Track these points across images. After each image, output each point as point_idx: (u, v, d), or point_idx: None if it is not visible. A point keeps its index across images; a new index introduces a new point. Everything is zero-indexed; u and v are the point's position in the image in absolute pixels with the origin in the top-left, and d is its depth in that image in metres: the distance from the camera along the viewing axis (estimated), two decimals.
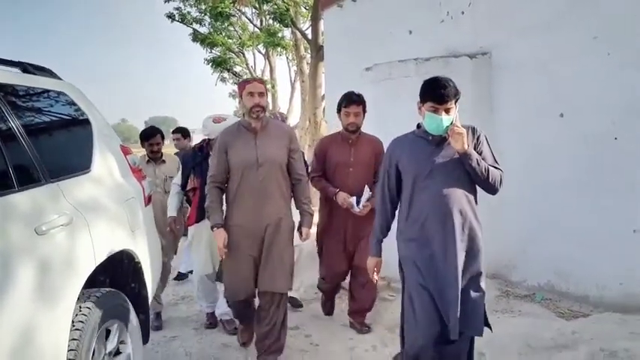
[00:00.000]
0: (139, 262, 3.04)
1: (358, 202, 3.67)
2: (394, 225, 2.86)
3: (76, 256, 2.40)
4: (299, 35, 14.23)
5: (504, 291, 4.39)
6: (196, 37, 19.47)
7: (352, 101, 3.75)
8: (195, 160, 4.10)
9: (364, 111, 3.81)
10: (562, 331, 3.32)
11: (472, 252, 2.61)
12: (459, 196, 2.58)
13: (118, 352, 2.84)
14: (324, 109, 11.81)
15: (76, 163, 2.80)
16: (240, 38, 19.56)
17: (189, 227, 4.20)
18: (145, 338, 3.15)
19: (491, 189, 2.66)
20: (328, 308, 4.32)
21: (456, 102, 2.58)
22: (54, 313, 2.20)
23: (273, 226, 3.32)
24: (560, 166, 4.26)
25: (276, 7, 12.61)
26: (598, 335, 3.18)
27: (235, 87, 20.96)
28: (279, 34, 16.22)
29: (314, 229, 3.72)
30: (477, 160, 2.55)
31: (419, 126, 2.75)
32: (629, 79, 3.80)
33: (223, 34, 19.45)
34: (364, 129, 3.96)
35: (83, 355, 2.40)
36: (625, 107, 3.85)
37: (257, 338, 3.45)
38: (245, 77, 18.97)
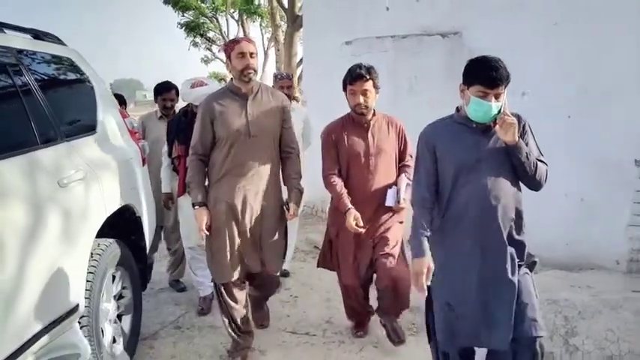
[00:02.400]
0: (139, 217, 3.34)
1: (397, 197, 3.12)
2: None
3: (91, 208, 2.70)
4: (275, 3, 14.29)
5: None
6: (168, 0, 19.24)
7: (357, 77, 2.98)
8: (180, 126, 3.83)
9: (376, 87, 3.04)
10: None
11: (515, 254, 2.34)
12: (505, 192, 2.30)
13: (120, 297, 3.17)
14: (299, 77, 12.03)
15: (84, 124, 3.06)
16: (214, 3, 19.42)
17: (178, 199, 3.90)
18: (143, 286, 3.48)
19: (536, 185, 2.37)
20: (358, 327, 3.55)
21: (506, 86, 2.25)
22: (75, 256, 2.52)
23: (264, 203, 3.01)
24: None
25: None
26: (543, 288, 3.64)
27: (207, 52, 20.92)
28: (256, 2, 16.19)
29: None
30: (527, 153, 2.28)
31: (457, 109, 2.44)
32: (585, 62, 4.22)
33: None
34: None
35: (95, 296, 2.72)
36: (578, 89, 4.27)
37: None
38: (221, 42, 18.86)
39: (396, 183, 3.15)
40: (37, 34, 3.01)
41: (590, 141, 4.19)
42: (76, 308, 2.52)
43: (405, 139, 3.20)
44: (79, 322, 2.58)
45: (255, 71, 2.98)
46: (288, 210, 3.09)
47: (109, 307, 2.95)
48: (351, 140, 3.10)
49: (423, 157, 2.43)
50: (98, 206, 2.78)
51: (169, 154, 3.94)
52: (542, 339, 2.28)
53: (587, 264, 4.13)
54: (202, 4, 18.63)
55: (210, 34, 20.03)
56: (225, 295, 3.09)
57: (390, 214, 3.15)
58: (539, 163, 2.34)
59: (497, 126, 2.26)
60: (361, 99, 3.02)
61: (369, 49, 5.30)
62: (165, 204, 4.08)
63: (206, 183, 3.06)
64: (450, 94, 5.00)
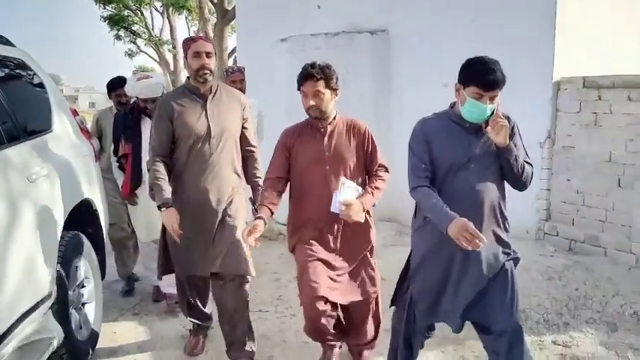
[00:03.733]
0: (96, 210, 3.50)
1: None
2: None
3: (57, 201, 2.87)
4: None
5: (399, 231, 5.34)
6: None
7: (307, 76, 2.66)
8: (126, 122, 3.79)
9: (331, 88, 2.69)
10: None
11: (499, 249, 2.41)
12: (491, 192, 2.35)
13: (82, 286, 3.33)
14: None
15: (41, 123, 3.19)
16: None
17: (124, 199, 3.90)
18: (102, 275, 3.65)
19: (521, 185, 2.42)
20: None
21: (501, 89, 2.28)
22: (47, 247, 2.69)
23: (226, 203, 2.97)
24: None
25: None
26: None
27: (132, 45, 20.44)
28: None
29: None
30: (516, 155, 2.33)
31: (452, 106, 2.46)
32: (497, 55, 4.76)
33: None
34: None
35: (63, 284, 2.90)
36: None
37: (223, 334, 3.13)
38: (147, 36, 18.53)
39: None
40: None
41: None
42: (49, 295, 2.69)
43: (373, 146, 2.82)
44: (51, 309, 2.76)
45: (211, 71, 2.93)
46: (256, 210, 2.93)
47: (73, 295, 3.12)
48: (306, 147, 2.76)
49: (417, 147, 2.44)
50: (62, 200, 2.94)
51: (115, 152, 3.87)
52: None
53: None
54: None
55: (135, 28, 19.61)
56: (187, 288, 3.18)
57: (359, 238, 2.81)
58: (525, 164, 2.38)
59: (488, 127, 2.28)
60: (312, 102, 2.67)
61: (303, 46, 5.62)
62: (131, 201, 3.93)
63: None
64: (378, 86, 5.50)
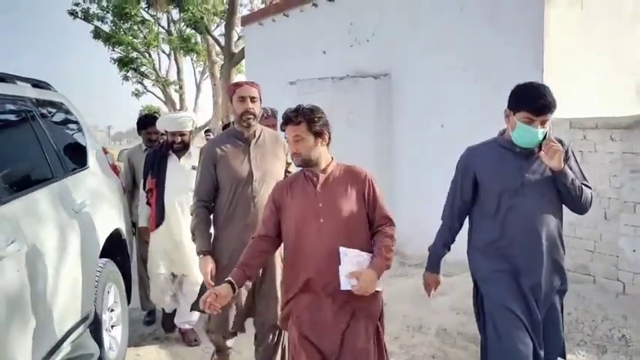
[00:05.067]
0: (124, 239, 3.81)
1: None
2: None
3: (96, 230, 3.19)
4: (211, 41, 14.93)
5: (401, 262, 5.63)
6: (98, 34, 19.35)
7: (285, 121, 2.42)
8: (155, 159, 3.93)
9: (314, 132, 2.37)
10: (443, 283, 4.56)
11: (556, 277, 2.42)
12: (548, 218, 2.33)
13: (112, 310, 3.61)
14: None
15: (79, 160, 3.53)
16: (146, 38, 19.72)
17: (151, 233, 3.94)
18: (128, 300, 3.93)
19: (582, 209, 2.39)
20: None
21: (552, 113, 2.26)
22: (89, 271, 2.99)
23: None
24: (441, 164, 5.57)
25: (191, 15, 13.25)
26: (467, 285, 4.44)
27: (139, 85, 21.07)
28: (193, 40, 16.76)
29: None
30: (572, 179, 2.30)
31: (501, 133, 2.47)
32: (489, 100, 5.17)
33: (128, 34, 19.52)
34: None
35: (99, 307, 3.19)
36: (487, 122, 5.20)
37: None
38: (155, 77, 19.16)
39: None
40: (35, 83, 3.47)
41: None
42: (88, 316, 2.98)
43: (374, 194, 2.44)
44: (89, 328, 3.04)
45: (255, 116, 2.94)
46: None
47: (105, 317, 3.40)
48: (297, 199, 2.43)
49: (458, 181, 2.49)
50: (100, 229, 3.27)
51: (144, 187, 4.02)
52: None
53: None
54: (134, 40, 18.93)
55: (143, 69, 20.28)
56: (221, 343, 3.08)
57: (359, 300, 2.31)
58: (584, 187, 2.34)
59: (542, 152, 2.27)
60: (293, 148, 2.41)
61: (311, 89, 6.05)
62: (140, 238, 4.20)
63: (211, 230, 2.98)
64: (380, 126, 5.89)
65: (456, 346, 3.80)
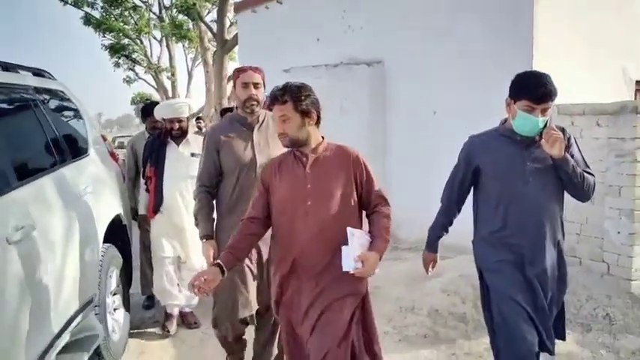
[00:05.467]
0: (125, 225, 3.91)
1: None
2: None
3: (99, 215, 3.28)
4: (203, 27, 14.89)
5: (394, 246, 5.76)
6: (89, 20, 19.20)
7: (271, 100, 2.33)
8: (153, 147, 3.97)
9: (301, 111, 2.28)
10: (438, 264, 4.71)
11: (558, 266, 2.46)
12: (550, 206, 2.37)
13: (114, 294, 3.72)
14: (229, 96, 12.77)
15: (80, 147, 3.61)
16: (137, 24, 19.59)
17: (151, 220, 3.99)
18: (129, 285, 4.04)
19: (584, 196, 2.41)
20: None
21: (552, 101, 2.28)
22: (93, 255, 3.09)
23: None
24: (433, 150, 5.70)
25: (183, 1, 13.20)
26: (458, 268, 4.59)
27: (130, 72, 20.98)
28: (185, 27, 16.68)
29: None
30: (574, 166, 2.30)
31: (503, 122, 2.49)
32: (480, 88, 5.28)
33: (119, 20, 19.38)
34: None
35: (103, 290, 3.29)
36: (477, 109, 5.32)
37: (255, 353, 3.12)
38: (147, 64, 19.06)
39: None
40: (35, 72, 3.52)
41: None
42: (93, 298, 3.09)
43: (368, 174, 2.39)
44: (93, 310, 3.15)
45: (259, 102, 2.91)
46: None
47: (109, 301, 3.51)
48: (284, 180, 2.37)
49: (461, 169, 2.54)
50: (102, 215, 3.36)
51: (143, 176, 4.09)
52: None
53: None
54: (126, 26, 18.80)
55: (134, 55, 20.15)
56: (229, 337, 2.96)
57: (343, 283, 2.29)
58: (585, 174, 2.35)
59: (542, 140, 2.27)
60: (281, 127, 2.32)
61: (305, 77, 6.11)
62: (140, 226, 4.28)
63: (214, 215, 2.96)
64: (374, 112, 5.99)
65: (446, 326, 3.95)
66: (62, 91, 3.71)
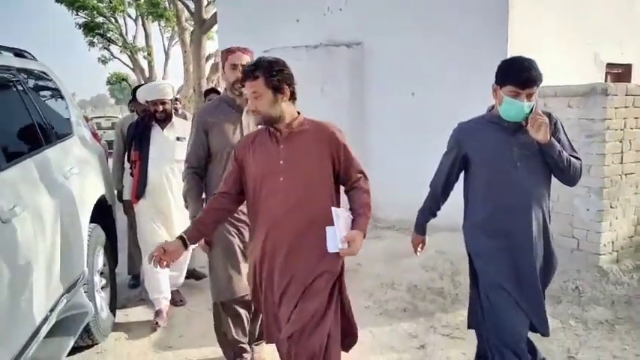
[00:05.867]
0: (110, 205, 3.95)
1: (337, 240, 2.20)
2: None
3: (85, 195, 3.33)
4: (180, 6, 14.67)
5: (373, 225, 5.90)
6: None
7: (244, 76, 2.29)
8: (137, 130, 3.89)
9: (273, 87, 2.24)
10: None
11: (546, 250, 2.48)
12: (538, 190, 2.40)
13: (101, 273, 3.78)
14: (207, 77, 12.70)
15: (65, 128, 3.63)
16: (111, 2, 19.18)
17: (135, 205, 3.91)
18: (115, 264, 4.10)
19: (571, 180, 2.45)
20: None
21: (538, 87, 2.29)
22: (81, 233, 3.15)
23: None
24: (411, 131, 5.83)
25: None
26: (435, 245, 4.75)
27: (105, 52, 20.60)
28: (162, 5, 16.38)
29: None
30: (559, 151, 2.33)
31: (490, 109, 2.52)
32: (457, 70, 5.40)
33: None
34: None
35: (91, 268, 3.36)
36: (454, 91, 5.45)
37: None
38: (122, 43, 18.72)
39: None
40: (17, 52, 3.51)
41: None
42: (82, 276, 3.15)
43: (346, 151, 2.37)
44: (82, 289, 3.21)
45: None
46: None
47: (96, 280, 3.57)
48: (258, 156, 2.34)
49: (449, 154, 2.58)
50: (89, 194, 3.40)
51: (128, 160, 3.97)
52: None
53: None
54: (100, 4, 18.38)
55: (109, 34, 19.74)
56: (223, 312, 2.94)
57: (319, 261, 2.27)
58: (572, 159, 2.37)
59: (528, 125, 2.30)
60: (252, 103, 2.29)
61: (285, 58, 6.12)
62: (126, 210, 4.26)
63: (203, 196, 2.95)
64: (353, 93, 6.08)
65: (425, 300, 4.12)
66: (44, 72, 3.70)
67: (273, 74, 2.25)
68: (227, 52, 2.93)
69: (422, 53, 5.68)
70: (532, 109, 2.30)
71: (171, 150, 3.86)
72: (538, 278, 2.43)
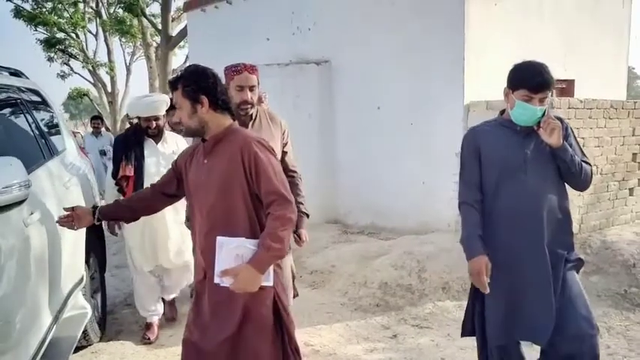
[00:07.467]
0: None
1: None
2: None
3: (83, 204, 3.55)
4: (145, 23, 14.82)
5: (344, 230, 6.28)
6: (20, 13, 18.54)
7: (169, 87, 2.23)
8: (128, 144, 3.76)
9: (190, 98, 2.14)
10: (382, 246, 5.26)
11: (562, 252, 2.37)
12: (550, 195, 2.34)
13: (92, 277, 3.99)
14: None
15: (60, 143, 3.85)
16: (72, 18, 19.06)
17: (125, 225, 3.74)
18: (103, 270, 4.31)
19: (581, 185, 2.42)
20: None
21: (550, 91, 2.29)
22: (79, 240, 3.38)
23: None
24: (377, 142, 6.25)
25: None
26: (403, 246, 5.16)
27: (65, 67, 20.37)
28: (128, 22, 16.45)
29: None
30: (572, 155, 2.31)
31: (501, 113, 2.49)
32: (419, 85, 5.87)
33: (52, 13, 18.77)
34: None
35: (87, 271, 3.58)
36: (417, 104, 5.91)
37: None
38: (83, 58, 18.55)
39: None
40: (12, 72, 3.73)
41: (426, 140, 5.86)
42: (82, 279, 3.38)
43: (257, 166, 2.11)
44: (81, 291, 3.44)
45: (253, 105, 2.78)
46: (299, 237, 2.96)
47: (91, 283, 3.79)
48: (191, 170, 2.26)
49: (468, 158, 2.47)
50: (85, 204, 3.63)
51: (113, 175, 3.77)
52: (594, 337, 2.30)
53: (430, 228, 5.75)
54: (60, 20, 18.24)
55: (70, 50, 19.53)
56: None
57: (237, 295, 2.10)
58: (583, 163, 2.36)
59: (541, 129, 2.28)
60: (176, 115, 2.30)
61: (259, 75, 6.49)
62: (111, 229, 3.98)
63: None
64: (323, 108, 6.49)
65: (395, 296, 4.49)
66: (37, 90, 3.93)
67: (188, 84, 2.14)
68: (233, 72, 2.75)
69: (386, 69, 6.13)
70: (544, 113, 2.30)
71: (167, 165, 3.65)
72: (550, 285, 2.30)
